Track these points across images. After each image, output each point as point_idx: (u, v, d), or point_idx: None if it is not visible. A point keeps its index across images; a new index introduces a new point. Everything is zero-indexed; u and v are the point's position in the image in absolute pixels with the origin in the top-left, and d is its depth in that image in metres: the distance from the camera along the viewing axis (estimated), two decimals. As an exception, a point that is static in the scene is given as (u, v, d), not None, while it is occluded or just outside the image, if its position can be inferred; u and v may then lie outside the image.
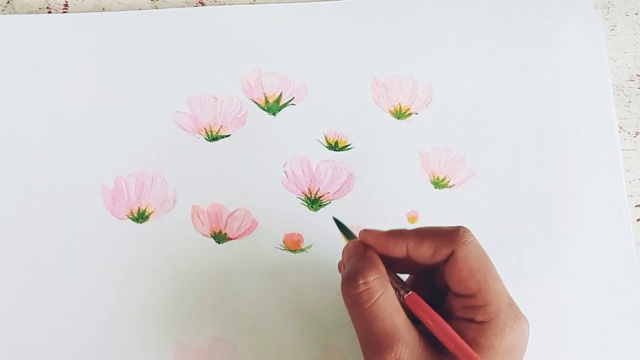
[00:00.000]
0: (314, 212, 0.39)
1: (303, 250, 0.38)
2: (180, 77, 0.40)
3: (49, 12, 0.42)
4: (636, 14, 0.44)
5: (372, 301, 0.29)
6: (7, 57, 0.40)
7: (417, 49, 0.41)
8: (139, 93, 0.40)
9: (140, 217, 0.38)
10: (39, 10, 0.41)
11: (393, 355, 0.28)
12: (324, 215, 0.38)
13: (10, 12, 0.41)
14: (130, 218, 0.38)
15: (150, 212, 0.38)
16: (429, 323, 0.29)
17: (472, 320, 0.29)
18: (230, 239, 0.38)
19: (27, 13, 0.41)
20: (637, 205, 0.41)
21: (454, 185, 0.40)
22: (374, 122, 0.40)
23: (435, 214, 0.39)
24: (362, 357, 0.36)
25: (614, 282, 0.38)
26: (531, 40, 0.42)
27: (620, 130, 0.42)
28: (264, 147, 0.39)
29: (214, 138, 0.39)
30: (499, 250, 0.38)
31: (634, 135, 0.42)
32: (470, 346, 0.28)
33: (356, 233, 0.33)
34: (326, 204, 0.39)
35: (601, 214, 0.39)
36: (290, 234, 0.38)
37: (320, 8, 0.42)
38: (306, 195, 0.39)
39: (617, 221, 0.39)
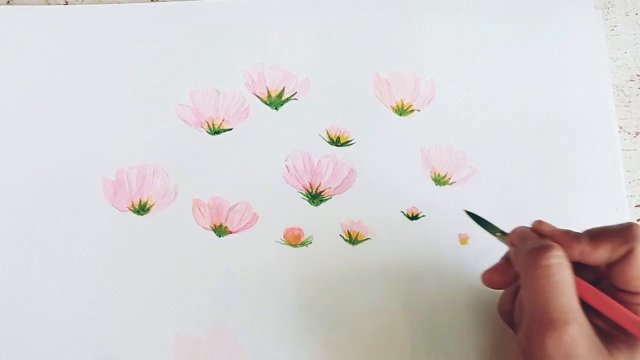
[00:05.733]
0: (314, 207, 0.39)
1: (303, 245, 0.38)
2: (183, 70, 0.40)
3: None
4: (636, 14, 0.44)
5: (561, 276, 0.29)
6: (11, 48, 0.40)
7: (420, 46, 0.42)
8: (141, 85, 0.40)
9: (141, 209, 0.38)
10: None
11: (570, 332, 0.28)
12: (325, 210, 0.38)
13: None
14: (131, 210, 0.38)
15: (151, 204, 0.38)
16: (597, 302, 0.29)
17: None
18: (231, 232, 0.38)
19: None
20: (637, 205, 0.41)
21: (454, 182, 0.40)
22: (376, 118, 0.40)
23: (436, 210, 0.39)
24: (361, 352, 0.36)
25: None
26: (532, 40, 0.42)
27: (620, 130, 0.42)
28: (266, 141, 0.39)
29: (216, 131, 0.39)
30: (498, 250, 0.38)
31: (634, 135, 0.42)
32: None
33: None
34: (327, 199, 0.39)
35: (601, 214, 0.39)
36: (290, 228, 0.38)
37: (323, 3, 0.42)
38: (307, 190, 0.39)
39: (616, 221, 0.39)
